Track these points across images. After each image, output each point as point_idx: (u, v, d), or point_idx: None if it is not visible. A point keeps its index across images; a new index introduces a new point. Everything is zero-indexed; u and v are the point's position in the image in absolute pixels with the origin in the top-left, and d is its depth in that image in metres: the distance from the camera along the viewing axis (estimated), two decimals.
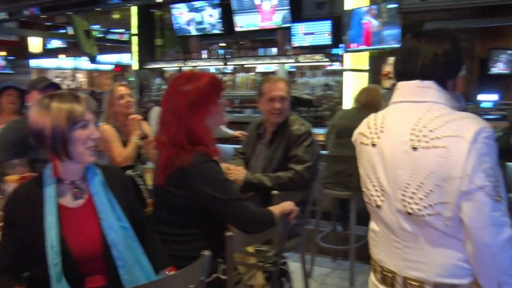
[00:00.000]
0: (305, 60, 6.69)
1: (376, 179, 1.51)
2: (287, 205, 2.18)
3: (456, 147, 1.32)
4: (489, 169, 1.32)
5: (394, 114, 1.51)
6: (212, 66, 7.83)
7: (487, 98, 9.54)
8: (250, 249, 2.19)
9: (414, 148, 1.39)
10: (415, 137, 1.39)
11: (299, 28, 6.88)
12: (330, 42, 6.44)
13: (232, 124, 5.19)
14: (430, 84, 1.46)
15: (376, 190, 1.52)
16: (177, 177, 1.92)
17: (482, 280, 1.38)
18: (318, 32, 6.75)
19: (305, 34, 6.83)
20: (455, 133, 1.34)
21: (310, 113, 6.93)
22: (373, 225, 1.61)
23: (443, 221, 1.37)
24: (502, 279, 1.35)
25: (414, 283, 1.44)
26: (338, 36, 6.26)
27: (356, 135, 1.69)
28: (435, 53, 1.46)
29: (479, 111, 8.73)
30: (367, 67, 6.34)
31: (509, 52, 10.35)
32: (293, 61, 6.82)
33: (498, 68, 10.81)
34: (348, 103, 5.99)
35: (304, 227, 3.06)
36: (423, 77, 1.46)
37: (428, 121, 1.39)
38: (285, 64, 7.66)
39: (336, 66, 6.88)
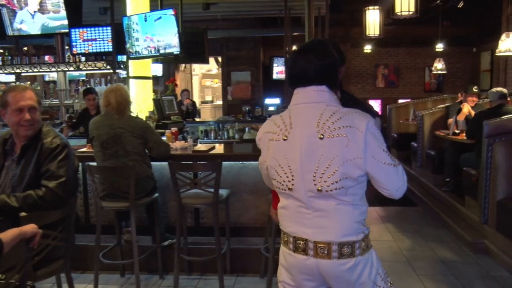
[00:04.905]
0: (86, 68, 6.36)
1: (287, 167, 1.79)
2: (28, 229, 1.95)
3: (353, 135, 1.70)
4: (384, 147, 1.75)
5: (299, 113, 1.81)
6: None
7: (271, 102, 10.31)
8: None
9: (321, 138, 1.72)
10: (321, 129, 1.72)
11: (79, 34, 6.51)
12: (111, 49, 6.21)
13: None
14: (324, 88, 1.80)
15: (287, 177, 1.80)
16: None
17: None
18: (99, 38, 6.48)
19: (85, 40, 6.49)
20: (350, 124, 1.71)
21: None
22: (284, 203, 1.89)
23: (345, 193, 1.74)
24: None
25: (323, 245, 1.78)
26: (120, 43, 6.06)
27: (261, 135, 1.92)
28: (323, 64, 1.80)
29: (266, 114, 9.44)
30: (150, 74, 6.28)
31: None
32: (73, 68, 6.42)
33: (278, 73, 11.86)
34: (133, 110, 5.86)
35: (70, 247, 2.81)
36: (318, 83, 1.80)
37: (328, 117, 1.73)
38: (68, 72, 7.23)
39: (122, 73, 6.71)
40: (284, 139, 1.80)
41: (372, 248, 1.87)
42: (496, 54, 7.21)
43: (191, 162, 4.01)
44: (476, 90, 6.47)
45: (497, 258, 4.33)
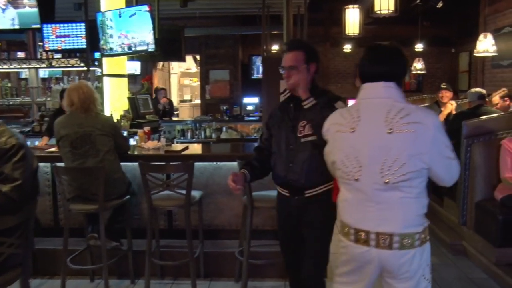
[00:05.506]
0: (59, 65, 6.16)
1: (355, 158, 1.87)
2: None
3: (421, 131, 1.80)
4: (448, 143, 1.90)
5: (367, 107, 1.91)
6: None
7: (250, 101, 10.18)
8: None
9: (389, 133, 1.81)
10: (389, 124, 1.81)
11: (52, 30, 6.31)
12: (85, 46, 6.02)
13: None
14: (392, 84, 1.91)
15: (354, 167, 1.87)
16: None
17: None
18: (72, 35, 6.29)
19: (58, 36, 6.29)
20: (419, 121, 1.81)
21: None
22: (346, 196, 1.97)
23: (410, 185, 1.82)
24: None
25: (385, 236, 1.85)
26: (94, 39, 5.87)
27: (328, 126, 2.03)
28: (395, 64, 1.95)
29: (244, 113, 9.30)
30: (125, 71, 6.12)
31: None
32: (45, 65, 6.22)
33: (257, 72, 11.74)
34: (107, 109, 5.70)
35: (29, 254, 2.66)
36: (387, 80, 1.90)
37: (396, 112, 1.82)
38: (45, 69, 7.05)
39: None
40: (352, 131, 1.89)
41: (428, 241, 1.95)
42: (474, 55, 7.21)
43: (162, 163, 3.86)
44: (444, 86, 6.52)
45: (475, 259, 4.29)
